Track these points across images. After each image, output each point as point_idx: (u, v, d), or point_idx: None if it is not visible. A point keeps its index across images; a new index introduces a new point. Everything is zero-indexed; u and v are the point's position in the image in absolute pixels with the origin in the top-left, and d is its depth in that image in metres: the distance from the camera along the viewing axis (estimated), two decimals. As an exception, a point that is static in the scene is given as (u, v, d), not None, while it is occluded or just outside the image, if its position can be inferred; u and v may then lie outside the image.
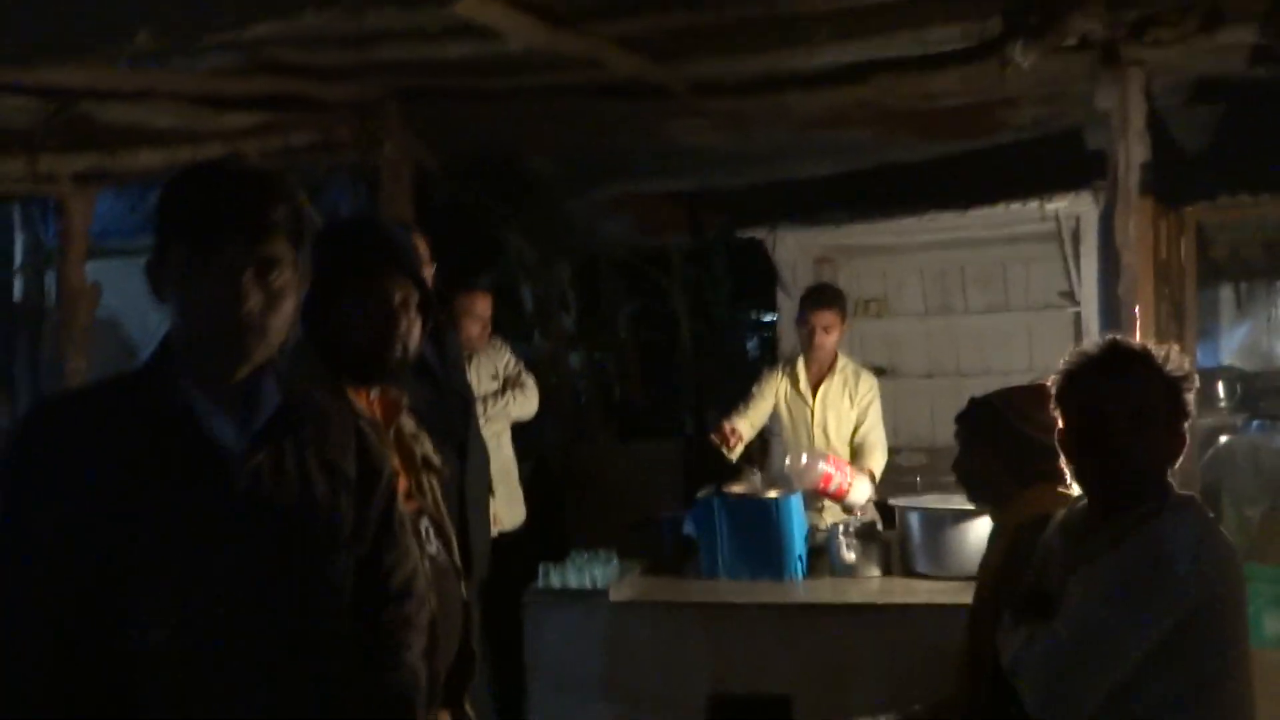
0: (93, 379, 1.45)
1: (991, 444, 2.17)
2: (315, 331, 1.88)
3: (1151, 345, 1.83)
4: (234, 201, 1.36)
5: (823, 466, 3.50)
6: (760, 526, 3.24)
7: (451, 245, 2.82)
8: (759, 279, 5.42)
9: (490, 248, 5.70)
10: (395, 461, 1.92)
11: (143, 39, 2.31)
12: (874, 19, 3.62)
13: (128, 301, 5.13)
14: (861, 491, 3.56)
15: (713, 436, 3.68)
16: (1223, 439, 4.24)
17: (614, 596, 3.13)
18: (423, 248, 2.82)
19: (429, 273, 2.82)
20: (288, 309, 1.40)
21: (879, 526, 3.44)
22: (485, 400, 3.94)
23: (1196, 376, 1.80)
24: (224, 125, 4.14)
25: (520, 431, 4.18)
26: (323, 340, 1.87)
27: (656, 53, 3.94)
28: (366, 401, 1.89)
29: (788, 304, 4.64)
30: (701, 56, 4.00)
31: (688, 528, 3.46)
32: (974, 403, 2.23)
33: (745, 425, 3.78)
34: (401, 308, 1.85)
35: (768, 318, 6.18)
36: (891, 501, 3.42)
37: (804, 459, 3.53)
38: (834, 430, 3.85)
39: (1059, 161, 4.38)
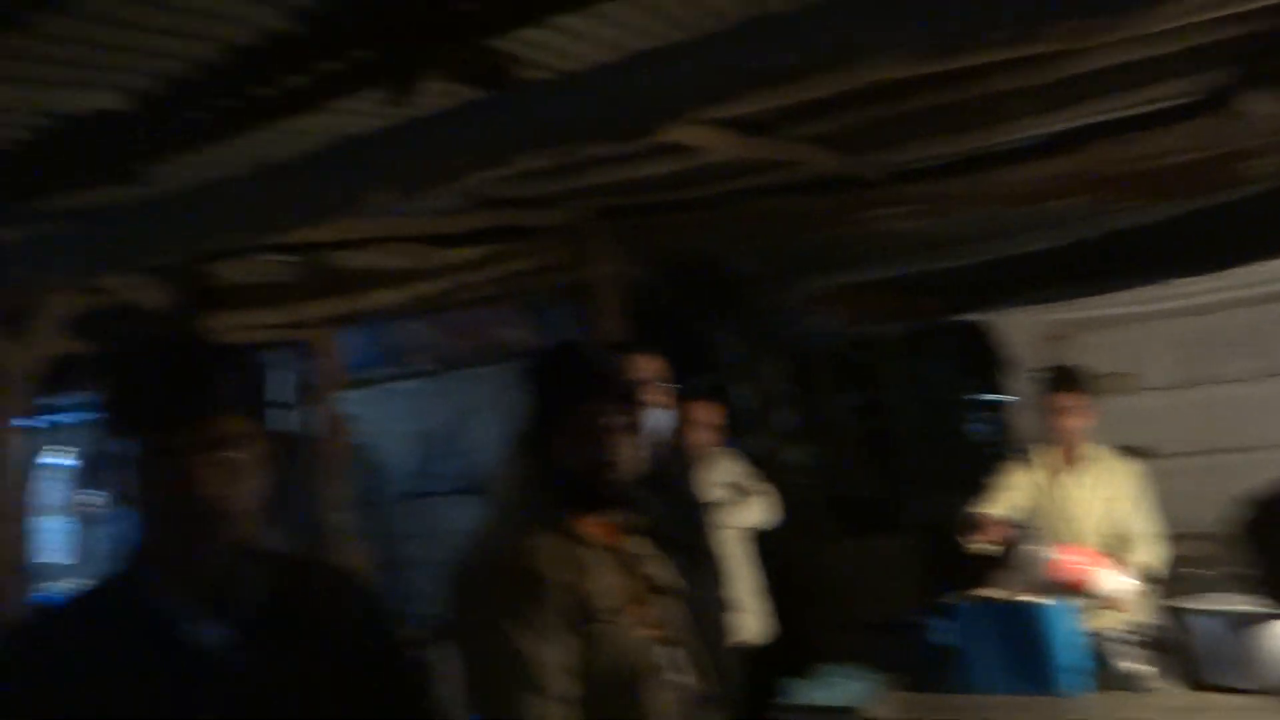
0: (82, 589, 1.37)
1: (1271, 549, 1.93)
2: (536, 464, 1.92)
3: None
4: (174, 382, 1.26)
5: (1052, 553, 3.22)
6: (1024, 635, 3.00)
7: (664, 353, 2.85)
8: (984, 359, 5.18)
9: (702, 351, 5.74)
10: (622, 590, 1.90)
11: (377, 198, 2.50)
12: (1084, 85, 3.45)
13: (376, 426, 5.56)
14: (1109, 581, 3.24)
15: (970, 534, 3.43)
16: None
17: (870, 716, 2.96)
18: (655, 366, 2.82)
19: (662, 390, 2.82)
20: (253, 485, 1.28)
21: (1161, 629, 3.11)
22: (718, 509, 3.89)
23: None
24: (448, 260, 4.42)
25: (755, 537, 4.10)
26: (543, 472, 1.90)
27: (852, 146, 3.91)
28: (592, 528, 1.89)
29: (1019, 387, 4.39)
30: (898, 144, 3.93)
31: (937, 635, 3.25)
32: (1247, 501, 2.00)
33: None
34: (607, 432, 1.85)
35: (997, 398, 5.87)
36: (1170, 603, 3.09)
37: (1031, 545, 3.27)
38: (1088, 522, 3.55)
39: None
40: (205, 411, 1.25)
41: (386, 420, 5.28)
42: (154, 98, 2.43)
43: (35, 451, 3.40)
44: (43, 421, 3.56)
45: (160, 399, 1.25)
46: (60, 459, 4.75)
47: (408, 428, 5.20)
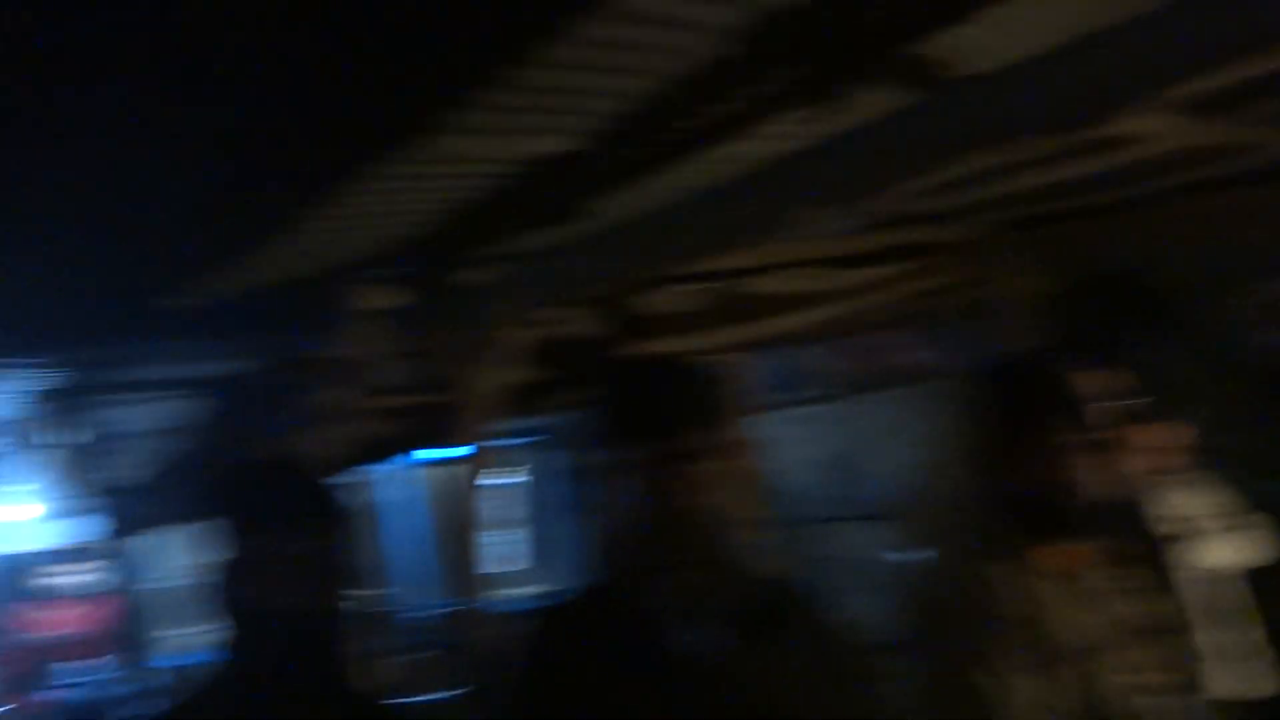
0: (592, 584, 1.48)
1: None
2: (983, 488, 1.83)
3: None
4: (655, 399, 1.35)
5: None
6: None
7: (1109, 372, 2.62)
8: None
9: (1143, 371, 5.20)
10: (1092, 628, 1.73)
11: (810, 217, 2.51)
12: None
13: (783, 450, 5.66)
14: None
15: None
16: None
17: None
18: (1111, 385, 2.58)
19: (1119, 410, 2.58)
20: (719, 497, 1.35)
21: None
22: (1180, 543, 3.45)
23: None
24: (851, 282, 4.36)
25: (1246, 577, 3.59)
26: (995, 496, 1.80)
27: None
28: (1053, 558, 1.76)
29: None
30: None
31: None
32: None
33: None
34: (1068, 454, 1.73)
35: None
36: None
37: None
38: None
39: None
40: (683, 425, 1.35)
41: (793, 445, 5.37)
42: (595, 137, 2.62)
43: (498, 470, 3.84)
44: (502, 443, 4.15)
45: (643, 415, 1.37)
46: (518, 478, 5.36)
47: (814, 452, 5.26)
